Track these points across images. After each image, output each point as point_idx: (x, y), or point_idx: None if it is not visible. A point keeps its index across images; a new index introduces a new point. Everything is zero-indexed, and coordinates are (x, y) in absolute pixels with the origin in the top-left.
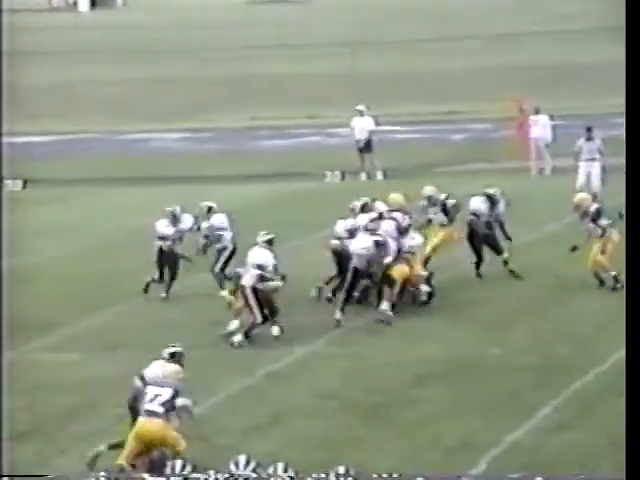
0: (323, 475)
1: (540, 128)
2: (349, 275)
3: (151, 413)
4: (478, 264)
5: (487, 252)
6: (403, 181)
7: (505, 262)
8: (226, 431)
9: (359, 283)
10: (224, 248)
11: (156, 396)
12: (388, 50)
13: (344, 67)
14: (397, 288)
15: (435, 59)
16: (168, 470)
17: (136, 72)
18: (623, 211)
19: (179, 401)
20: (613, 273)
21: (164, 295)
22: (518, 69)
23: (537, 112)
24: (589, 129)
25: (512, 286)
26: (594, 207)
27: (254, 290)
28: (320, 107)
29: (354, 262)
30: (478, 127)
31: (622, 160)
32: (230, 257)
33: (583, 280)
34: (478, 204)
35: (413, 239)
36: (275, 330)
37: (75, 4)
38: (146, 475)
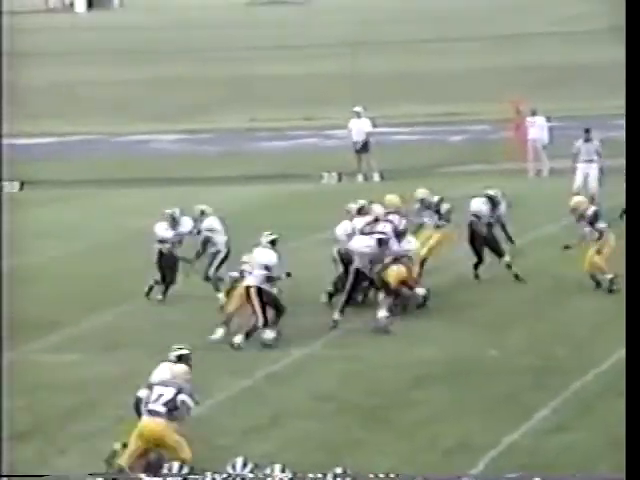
0: (320, 475)
1: (537, 129)
2: (350, 277)
3: (154, 413)
4: (477, 265)
5: (487, 254)
6: (400, 182)
7: (508, 266)
8: (225, 432)
9: (360, 285)
10: (217, 252)
11: (160, 396)
12: (388, 51)
13: (344, 68)
14: (393, 294)
15: (435, 60)
16: (165, 471)
17: (135, 73)
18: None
19: (179, 397)
20: (609, 276)
21: (160, 297)
22: (519, 70)
23: (534, 114)
24: (587, 130)
25: (510, 288)
26: (591, 210)
27: (259, 291)
28: (320, 108)
29: (355, 263)
30: (476, 128)
31: (620, 161)
32: (223, 261)
33: (580, 282)
34: (479, 205)
35: (409, 242)
36: (269, 334)
37: (72, 5)
38: (143, 475)
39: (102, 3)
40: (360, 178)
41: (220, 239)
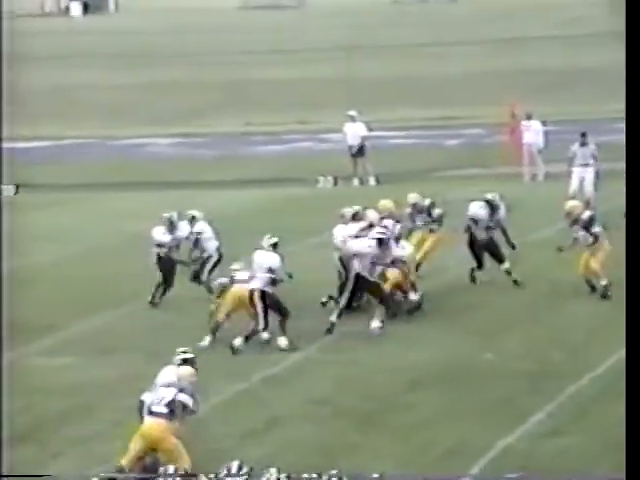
0: (315, 475)
1: (532, 134)
2: (350, 282)
3: (156, 414)
4: (474, 269)
5: (487, 260)
6: (396, 186)
7: (507, 272)
8: (221, 436)
9: (360, 291)
10: (209, 257)
11: (162, 397)
12: (383, 55)
13: (339, 72)
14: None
15: (432, 63)
16: (161, 473)
17: (130, 77)
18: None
19: (179, 396)
20: (604, 282)
21: (157, 300)
22: (517, 73)
23: (529, 118)
24: (583, 134)
25: (505, 292)
26: (587, 214)
27: (262, 294)
28: (315, 112)
29: (356, 268)
30: (471, 132)
31: (615, 165)
32: (215, 266)
33: (575, 286)
34: (477, 209)
35: (404, 247)
36: (283, 341)
37: (67, 9)
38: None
39: (97, 7)
40: (356, 182)
41: (211, 244)
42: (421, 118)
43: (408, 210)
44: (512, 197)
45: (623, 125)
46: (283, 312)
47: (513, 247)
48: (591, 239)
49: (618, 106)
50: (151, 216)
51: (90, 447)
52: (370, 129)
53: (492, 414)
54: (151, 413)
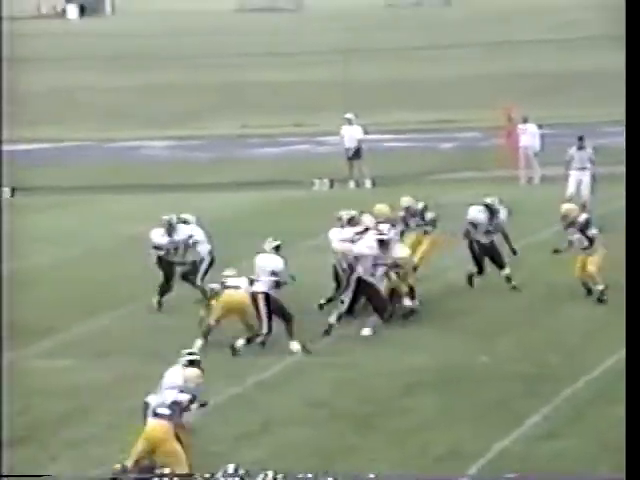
0: (310, 476)
1: (528, 137)
2: (351, 286)
3: (159, 415)
4: (473, 274)
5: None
6: (392, 189)
7: (508, 278)
8: (217, 439)
9: (362, 295)
10: (201, 260)
11: (166, 400)
12: (379, 58)
13: (336, 75)
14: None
15: (427, 67)
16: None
17: (127, 80)
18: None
19: (179, 396)
20: (600, 287)
21: (161, 302)
22: (513, 77)
23: (525, 121)
24: (581, 138)
25: (501, 295)
26: (583, 217)
27: (267, 298)
28: (312, 115)
29: (359, 271)
30: (467, 136)
31: (611, 169)
32: (207, 269)
33: (571, 289)
34: (476, 213)
35: (400, 251)
36: (295, 346)
37: (64, 12)
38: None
39: (94, 10)
40: (352, 185)
41: (203, 247)
42: (417, 121)
43: (401, 213)
44: (508, 200)
45: (618, 128)
46: (287, 317)
47: (514, 252)
48: (587, 242)
49: (613, 109)
50: (148, 218)
51: (87, 449)
52: (366, 132)
53: (488, 417)
54: (155, 415)
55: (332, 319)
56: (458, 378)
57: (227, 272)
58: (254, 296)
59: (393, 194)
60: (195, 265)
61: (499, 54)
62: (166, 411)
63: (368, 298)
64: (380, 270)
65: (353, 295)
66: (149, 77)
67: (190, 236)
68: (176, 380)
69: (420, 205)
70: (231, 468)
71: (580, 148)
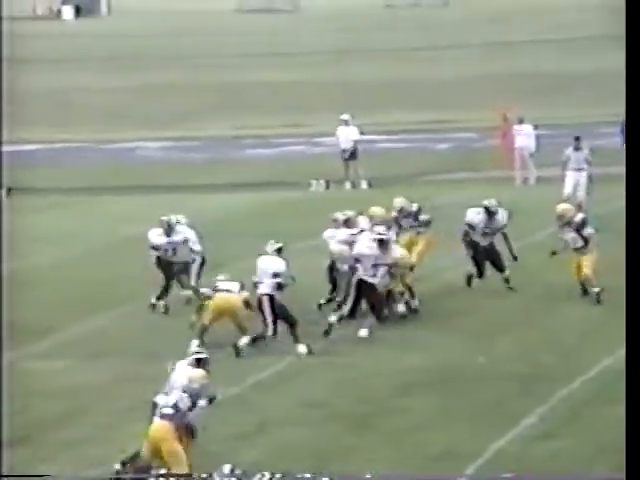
0: (308, 475)
1: (524, 138)
2: (353, 289)
3: (162, 415)
4: (472, 275)
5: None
6: (387, 190)
7: (506, 280)
8: (214, 439)
9: (363, 297)
10: (193, 260)
11: (170, 399)
12: (377, 58)
13: (333, 75)
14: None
15: (425, 67)
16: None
17: (123, 80)
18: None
19: (182, 397)
20: (596, 290)
21: (153, 301)
22: (510, 77)
23: (521, 122)
24: (577, 139)
25: (498, 295)
26: (579, 217)
27: (271, 300)
28: (309, 115)
29: (358, 273)
30: (463, 136)
31: (607, 170)
32: (199, 271)
33: (567, 289)
34: (473, 215)
35: (396, 252)
36: (302, 348)
37: (59, 12)
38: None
39: (90, 10)
40: (348, 186)
41: (195, 249)
42: (414, 122)
43: (394, 214)
44: (504, 201)
45: (614, 129)
46: (291, 320)
47: (515, 258)
48: (581, 242)
49: (611, 110)
50: (144, 219)
51: (84, 450)
52: (362, 133)
53: (485, 417)
54: (160, 415)
55: (333, 319)
56: (455, 378)
57: (220, 277)
58: (258, 299)
59: (389, 195)
60: (186, 266)
61: (496, 54)
62: (169, 411)
63: (368, 299)
64: (381, 270)
65: (355, 298)
66: (145, 78)
67: (187, 237)
68: (181, 380)
69: (414, 206)
70: (227, 468)
71: (577, 149)
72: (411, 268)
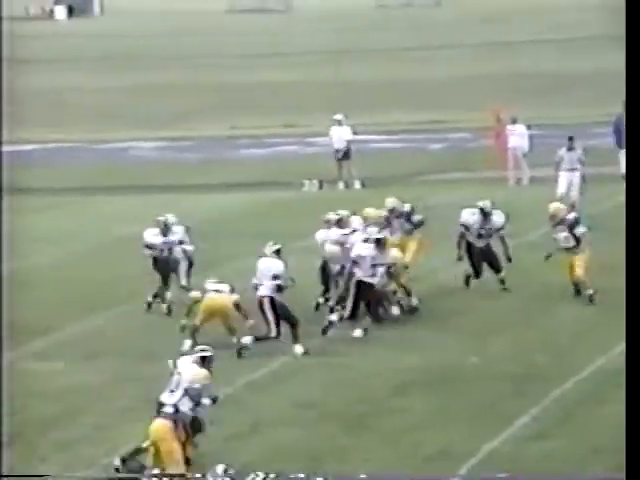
0: (302, 476)
1: (518, 138)
2: (352, 290)
3: (163, 414)
4: (470, 275)
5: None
6: (381, 190)
7: (501, 280)
8: (208, 439)
9: (363, 298)
10: (181, 259)
11: (172, 399)
12: (370, 58)
13: (326, 75)
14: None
15: (418, 67)
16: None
17: (116, 80)
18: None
19: (183, 403)
20: (590, 292)
21: (150, 300)
22: (503, 77)
23: (514, 122)
24: (571, 139)
25: (492, 296)
26: (572, 216)
27: (272, 301)
28: (302, 115)
29: (357, 275)
30: (456, 136)
31: (600, 170)
32: (188, 270)
33: (561, 289)
34: (468, 216)
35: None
36: (299, 349)
37: (52, 13)
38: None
39: (82, 11)
40: (341, 186)
41: (187, 249)
42: (407, 122)
43: (384, 213)
44: (497, 201)
45: (607, 129)
46: (292, 320)
47: (509, 260)
48: (574, 241)
49: (608, 110)
50: (138, 219)
51: (78, 450)
52: (355, 133)
53: (479, 417)
54: (159, 414)
55: (333, 317)
56: (449, 378)
57: (210, 280)
58: (259, 301)
59: (382, 195)
60: (176, 265)
61: (489, 54)
62: (169, 410)
63: (367, 299)
64: (380, 270)
65: (354, 299)
66: (138, 78)
67: (183, 238)
68: (187, 377)
69: (407, 207)
70: (221, 469)
71: (570, 149)
72: (405, 267)
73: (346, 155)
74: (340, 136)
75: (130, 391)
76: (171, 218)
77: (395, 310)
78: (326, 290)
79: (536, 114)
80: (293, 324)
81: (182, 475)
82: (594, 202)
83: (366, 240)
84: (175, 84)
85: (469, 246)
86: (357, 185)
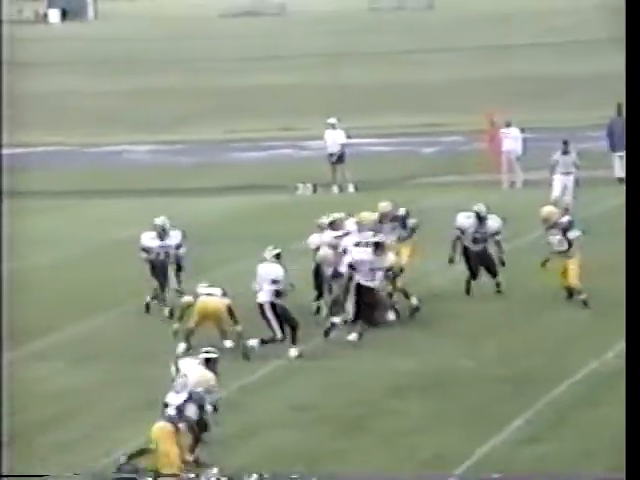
0: (296, 476)
1: (511, 141)
2: (352, 294)
3: (165, 417)
4: (470, 282)
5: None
6: (374, 194)
7: (497, 284)
8: (203, 442)
9: (364, 300)
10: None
11: (175, 401)
12: (364, 62)
13: (321, 79)
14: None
15: (412, 70)
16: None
17: (112, 84)
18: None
19: (189, 408)
20: (582, 297)
21: (148, 299)
22: (496, 80)
23: (508, 125)
24: (565, 142)
25: (486, 299)
26: (565, 219)
27: (272, 306)
28: (297, 119)
29: (356, 278)
30: (450, 140)
31: (593, 173)
32: (178, 273)
33: (555, 292)
34: (462, 220)
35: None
36: (293, 352)
37: (46, 16)
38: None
39: (76, 14)
40: (335, 189)
41: (180, 253)
42: (401, 125)
43: (376, 217)
44: (491, 205)
45: (600, 133)
46: (293, 323)
47: (502, 264)
48: (567, 245)
49: (603, 113)
50: (134, 223)
51: (75, 452)
52: (349, 136)
53: (473, 420)
54: (163, 416)
55: (336, 319)
56: (444, 382)
57: (202, 284)
58: (260, 306)
59: (376, 198)
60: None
61: (482, 58)
62: (172, 412)
63: (366, 302)
64: (379, 274)
65: (357, 303)
66: (133, 82)
67: (180, 242)
68: (191, 380)
69: (401, 211)
70: (215, 471)
71: (565, 153)
72: (400, 270)
73: (340, 159)
74: (334, 140)
75: (128, 392)
76: (167, 222)
77: (391, 315)
78: (319, 294)
79: (529, 117)
80: (293, 327)
81: (176, 475)
82: (587, 205)
83: (358, 244)
84: (172, 88)
85: (465, 250)
86: (351, 189)
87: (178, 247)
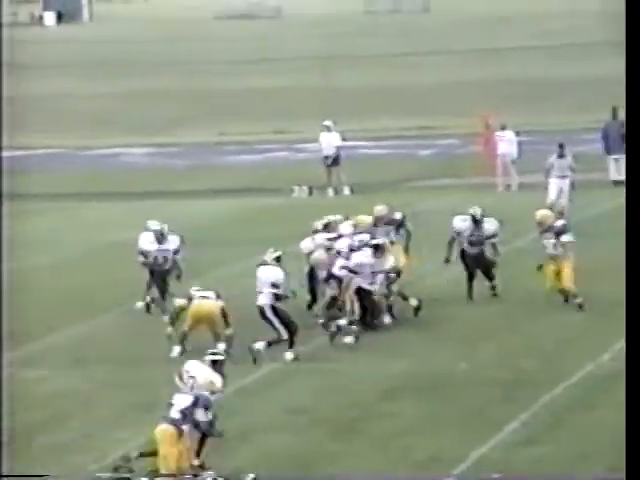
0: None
1: (506, 144)
2: (354, 299)
3: (168, 419)
4: (471, 287)
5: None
6: (370, 196)
7: (492, 287)
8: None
9: (364, 303)
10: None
11: (179, 403)
12: (359, 64)
13: (316, 81)
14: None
15: (407, 73)
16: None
17: (107, 86)
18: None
19: (197, 412)
20: (578, 300)
21: (148, 298)
22: (492, 83)
23: (503, 128)
24: (561, 146)
25: (482, 302)
26: (560, 223)
27: (273, 309)
28: (292, 122)
29: (356, 282)
30: (445, 143)
31: (588, 176)
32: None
33: (550, 295)
34: (458, 222)
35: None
36: (289, 355)
37: (41, 19)
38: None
39: (72, 17)
40: (330, 192)
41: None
42: (397, 128)
43: (372, 220)
44: (486, 208)
45: (595, 135)
46: (292, 327)
47: (494, 265)
48: (561, 248)
49: (598, 116)
50: (128, 226)
51: (67, 456)
52: (344, 139)
53: (469, 423)
54: (166, 418)
55: (341, 322)
56: (439, 384)
57: (194, 287)
58: (261, 309)
59: (371, 201)
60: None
61: (477, 61)
62: (175, 415)
63: (365, 305)
64: (379, 277)
65: (361, 306)
66: (128, 84)
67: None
68: (198, 382)
69: (398, 215)
70: (210, 473)
71: (560, 156)
72: (398, 274)
73: (335, 161)
74: (329, 142)
75: (127, 393)
76: (165, 227)
77: (386, 318)
78: (313, 299)
79: (525, 120)
80: (292, 330)
81: (174, 476)
82: (582, 208)
83: (352, 249)
84: (167, 90)
85: (463, 253)
86: (346, 191)
87: (176, 252)
